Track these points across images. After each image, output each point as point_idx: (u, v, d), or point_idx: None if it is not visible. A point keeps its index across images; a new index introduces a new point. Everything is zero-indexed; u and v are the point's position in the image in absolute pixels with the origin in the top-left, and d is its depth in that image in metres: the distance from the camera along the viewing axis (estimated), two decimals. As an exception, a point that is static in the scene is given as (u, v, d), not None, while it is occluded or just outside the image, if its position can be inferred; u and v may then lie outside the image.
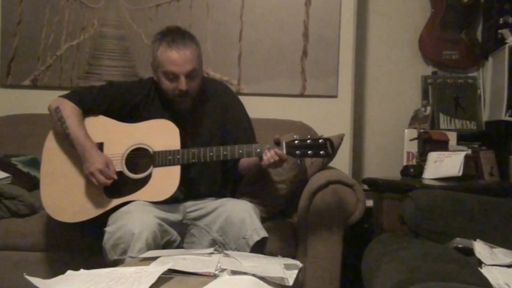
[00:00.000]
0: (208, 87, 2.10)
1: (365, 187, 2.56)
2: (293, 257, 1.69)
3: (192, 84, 1.95)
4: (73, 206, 1.94)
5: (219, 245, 1.84)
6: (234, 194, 2.17)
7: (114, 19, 2.88)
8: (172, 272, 1.29)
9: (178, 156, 1.90)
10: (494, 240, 1.61)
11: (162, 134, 1.95)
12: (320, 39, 2.81)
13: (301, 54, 2.82)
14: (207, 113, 2.07)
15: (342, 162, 2.69)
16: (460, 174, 2.34)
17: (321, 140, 1.82)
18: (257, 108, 2.37)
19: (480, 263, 1.41)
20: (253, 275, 1.26)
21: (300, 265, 1.49)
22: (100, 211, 1.90)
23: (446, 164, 2.42)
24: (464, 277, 1.23)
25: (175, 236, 1.86)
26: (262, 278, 1.26)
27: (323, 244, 2.07)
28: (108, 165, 1.89)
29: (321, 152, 1.81)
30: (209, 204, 1.98)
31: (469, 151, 2.59)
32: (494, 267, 1.38)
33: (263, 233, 1.80)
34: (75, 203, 1.94)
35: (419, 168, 2.55)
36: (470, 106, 2.98)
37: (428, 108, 2.91)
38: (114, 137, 1.98)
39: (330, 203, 2.05)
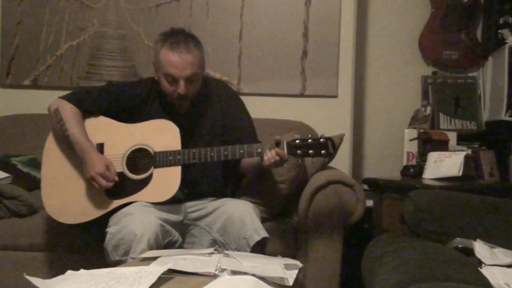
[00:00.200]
0: (209, 86, 2.10)
1: (365, 187, 2.57)
2: (293, 257, 1.68)
3: (191, 88, 1.94)
4: (74, 208, 1.94)
5: (219, 245, 1.84)
6: (234, 194, 2.17)
7: (114, 19, 2.88)
8: (172, 272, 1.29)
9: (179, 157, 1.90)
10: (494, 240, 1.61)
11: (162, 134, 1.95)
12: (320, 39, 2.81)
13: (301, 54, 2.82)
14: (208, 113, 2.06)
15: (342, 162, 2.69)
16: (460, 174, 2.34)
17: (322, 139, 1.82)
18: (257, 108, 2.37)
19: (480, 263, 1.41)
20: (253, 275, 1.26)
21: (300, 265, 1.49)
22: (101, 212, 1.90)
23: (446, 164, 2.42)
24: (464, 277, 1.23)
25: (176, 236, 1.85)
26: (262, 278, 1.26)
27: (323, 244, 2.07)
28: (108, 167, 1.88)
29: (322, 152, 1.81)
30: (209, 204, 1.98)
31: (469, 151, 2.59)
32: (494, 267, 1.38)
33: (264, 233, 1.80)
34: (76, 204, 1.94)
35: (419, 168, 2.55)
36: (470, 106, 2.98)
37: (428, 108, 2.91)
38: (114, 138, 1.98)
39: (330, 203, 2.05)
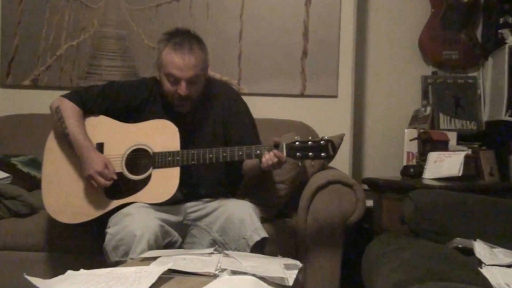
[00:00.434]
0: (212, 87, 2.09)
1: (365, 187, 2.56)
2: (293, 257, 1.68)
3: (193, 89, 1.94)
4: (73, 207, 1.94)
5: (219, 245, 1.84)
6: (234, 195, 2.17)
7: (114, 19, 2.88)
8: (172, 272, 1.29)
9: (178, 158, 1.89)
10: (494, 240, 1.61)
11: (162, 134, 1.94)
12: (320, 39, 2.81)
13: (301, 54, 2.82)
14: (210, 114, 2.06)
15: (342, 162, 2.69)
16: (460, 174, 2.34)
17: (323, 141, 1.80)
18: (257, 108, 2.36)
19: (480, 263, 1.41)
20: (253, 275, 1.26)
21: (300, 265, 1.49)
22: (100, 212, 1.90)
23: (446, 164, 2.42)
24: (464, 277, 1.23)
25: (176, 237, 1.85)
26: (262, 278, 1.26)
27: (323, 244, 2.07)
28: (107, 166, 1.88)
29: (322, 154, 1.79)
30: (209, 204, 1.97)
31: (469, 151, 2.59)
32: (494, 267, 1.38)
33: (263, 233, 1.80)
34: (76, 204, 1.94)
35: (419, 168, 2.55)
36: (470, 106, 2.98)
37: (428, 108, 2.91)
38: (114, 138, 1.98)
39: (330, 203, 2.05)
